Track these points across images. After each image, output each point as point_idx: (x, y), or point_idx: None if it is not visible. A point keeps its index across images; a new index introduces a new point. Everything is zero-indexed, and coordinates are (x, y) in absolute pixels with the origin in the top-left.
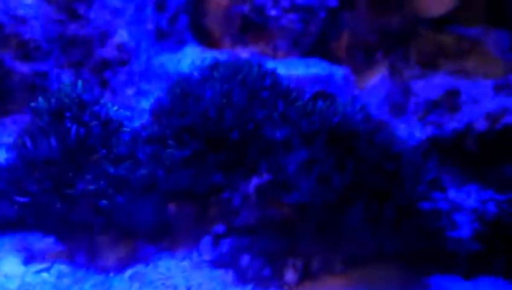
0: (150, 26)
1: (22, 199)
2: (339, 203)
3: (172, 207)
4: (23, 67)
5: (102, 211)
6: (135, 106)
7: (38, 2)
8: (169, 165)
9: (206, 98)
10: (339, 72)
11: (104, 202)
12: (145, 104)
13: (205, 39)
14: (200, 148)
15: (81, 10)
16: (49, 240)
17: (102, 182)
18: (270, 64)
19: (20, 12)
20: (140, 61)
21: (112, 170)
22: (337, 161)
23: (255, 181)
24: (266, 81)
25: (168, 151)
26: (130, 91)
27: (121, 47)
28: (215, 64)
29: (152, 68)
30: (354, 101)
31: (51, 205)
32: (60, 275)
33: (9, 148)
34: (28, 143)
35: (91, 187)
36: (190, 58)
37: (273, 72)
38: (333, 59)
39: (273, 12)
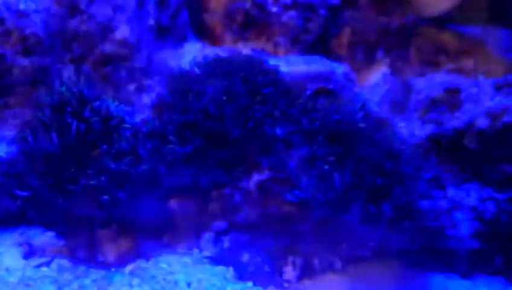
0: (151, 22)
1: (23, 193)
2: (339, 200)
3: (173, 203)
4: (24, 62)
5: (103, 206)
6: (136, 102)
7: None
8: (170, 160)
9: (207, 95)
10: (340, 69)
11: (106, 197)
12: (146, 99)
13: (206, 35)
14: (202, 144)
15: (82, 5)
16: (50, 235)
17: (103, 178)
18: (271, 61)
19: (22, 6)
20: (141, 57)
21: (113, 165)
22: (338, 159)
23: (256, 178)
24: (267, 78)
25: (170, 147)
26: (131, 86)
27: (122, 42)
28: (217, 61)
29: (153, 64)
30: (355, 99)
31: (52, 200)
32: (60, 270)
33: (10, 142)
34: (29, 137)
35: (92, 182)
36: (191, 54)
37: (275, 69)
38: (334, 56)
39: (274, 9)
